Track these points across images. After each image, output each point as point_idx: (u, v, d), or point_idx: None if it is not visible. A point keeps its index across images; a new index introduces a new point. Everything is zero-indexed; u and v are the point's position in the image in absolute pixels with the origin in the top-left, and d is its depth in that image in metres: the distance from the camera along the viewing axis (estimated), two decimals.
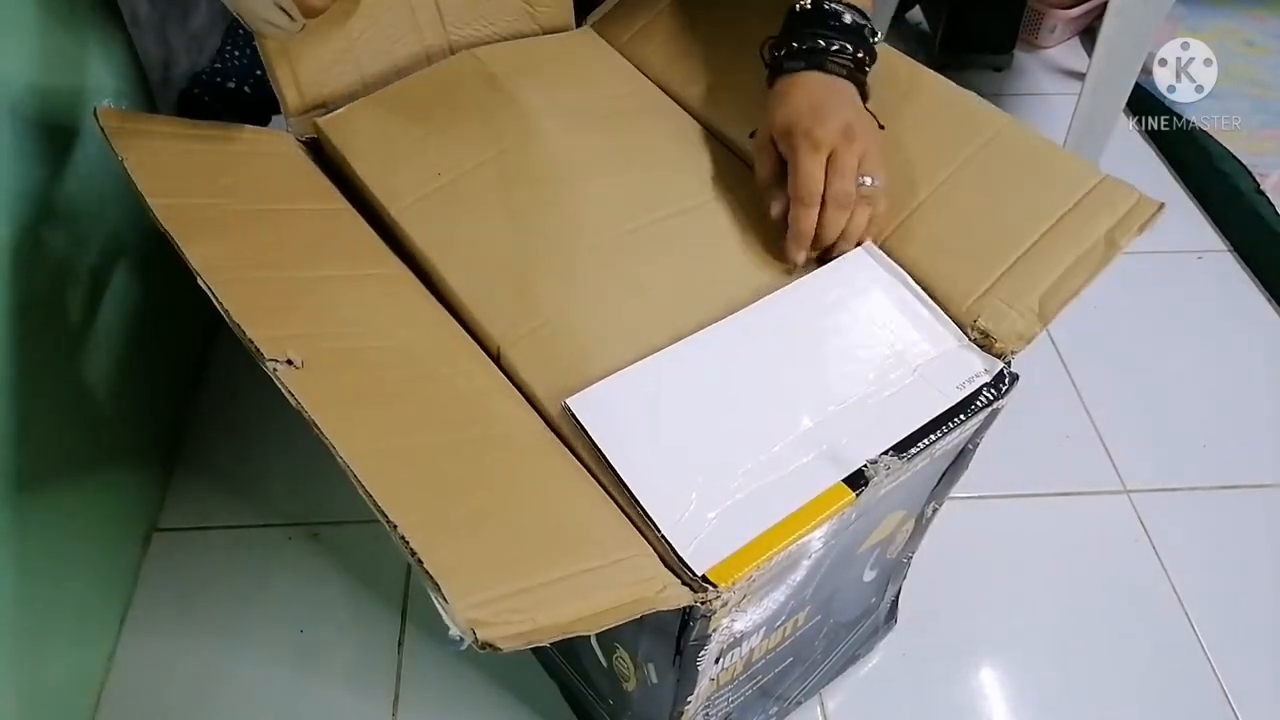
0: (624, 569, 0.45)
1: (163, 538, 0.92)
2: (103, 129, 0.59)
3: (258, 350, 0.47)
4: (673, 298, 0.58)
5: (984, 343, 0.57)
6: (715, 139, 0.70)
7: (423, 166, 0.65)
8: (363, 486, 0.42)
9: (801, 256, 0.59)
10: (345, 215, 0.63)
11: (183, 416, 1.02)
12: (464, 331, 0.58)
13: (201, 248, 0.53)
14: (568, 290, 0.58)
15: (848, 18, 0.62)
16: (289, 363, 0.48)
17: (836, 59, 0.61)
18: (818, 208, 0.58)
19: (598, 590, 0.43)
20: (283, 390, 0.46)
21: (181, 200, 0.57)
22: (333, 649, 0.85)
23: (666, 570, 0.46)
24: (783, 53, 0.62)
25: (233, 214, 0.58)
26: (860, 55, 0.62)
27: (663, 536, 0.47)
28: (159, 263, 0.94)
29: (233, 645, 0.85)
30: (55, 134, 0.73)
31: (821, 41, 0.61)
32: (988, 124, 0.65)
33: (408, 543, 0.40)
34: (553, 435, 0.52)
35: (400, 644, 0.86)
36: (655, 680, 0.58)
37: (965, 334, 0.57)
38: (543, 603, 0.41)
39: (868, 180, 0.58)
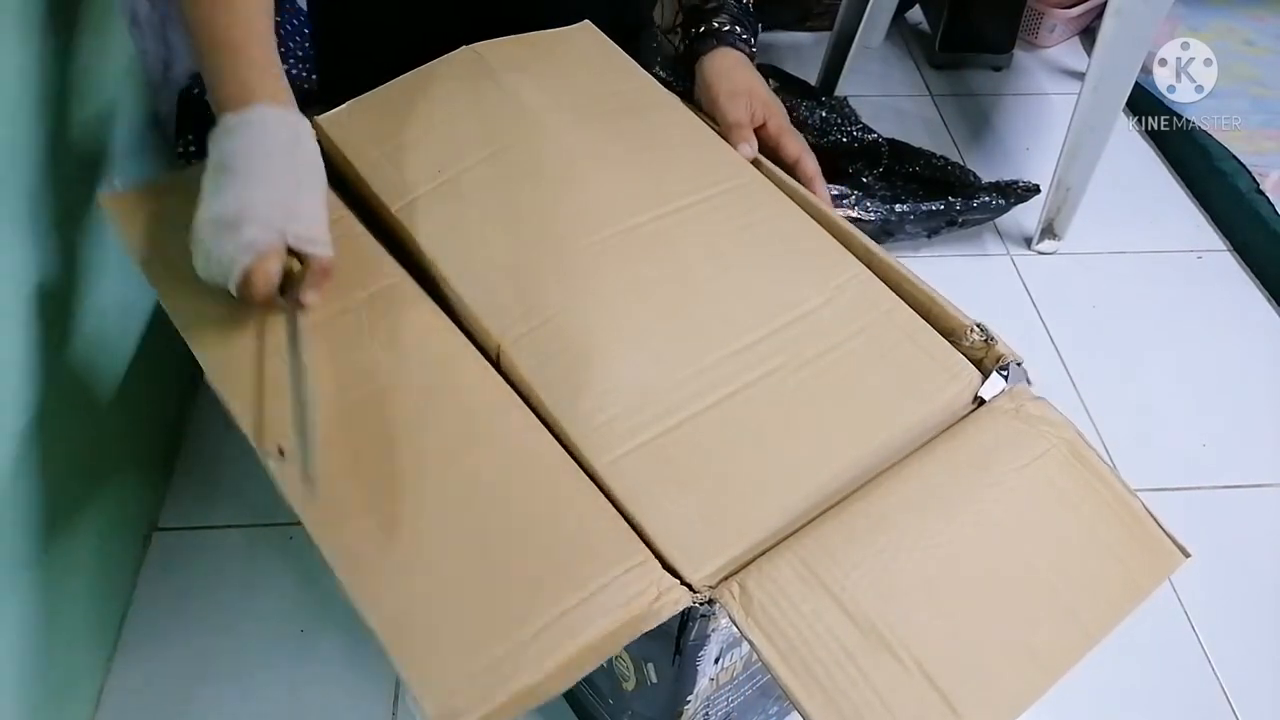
0: (613, 591, 0.45)
1: (163, 537, 0.92)
2: (111, 217, 0.61)
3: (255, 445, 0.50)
4: (673, 296, 0.58)
5: (982, 348, 0.57)
6: (717, 135, 0.70)
7: (423, 164, 0.65)
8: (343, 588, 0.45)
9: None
10: (346, 223, 0.63)
11: (183, 416, 1.02)
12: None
13: (214, 353, 0.55)
14: (568, 289, 0.58)
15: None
16: (280, 452, 0.50)
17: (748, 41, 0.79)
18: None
19: (587, 626, 0.44)
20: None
21: (194, 303, 0.57)
22: (333, 649, 0.85)
23: (665, 573, 0.46)
24: (711, 27, 0.77)
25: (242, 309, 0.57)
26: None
27: (657, 550, 0.47)
28: None
29: (233, 645, 0.85)
30: (55, 135, 0.73)
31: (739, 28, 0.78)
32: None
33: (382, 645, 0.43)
34: (553, 440, 0.52)
35: None
36: (655, 680, 0.57)
37: (964, 336, 0.58)
38: (524, 663, 0.43)
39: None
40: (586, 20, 0.78)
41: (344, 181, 0.66)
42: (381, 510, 0.48)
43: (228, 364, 0.54)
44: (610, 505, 0.49)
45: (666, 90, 0.73)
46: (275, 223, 0.53)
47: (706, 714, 0.64)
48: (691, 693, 0.57)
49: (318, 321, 0.56)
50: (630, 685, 0.62)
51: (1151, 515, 0.52)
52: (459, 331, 0.57)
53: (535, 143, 0.66)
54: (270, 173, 0.54)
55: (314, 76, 1.07)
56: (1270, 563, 0.96)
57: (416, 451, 0.51)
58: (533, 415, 0.53)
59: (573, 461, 0.51)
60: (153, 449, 0.95)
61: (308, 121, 0.58)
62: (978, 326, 0.57)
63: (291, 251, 0.54)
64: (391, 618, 0.44)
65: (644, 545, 0.47)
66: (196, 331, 0.55)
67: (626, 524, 0.48)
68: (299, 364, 0.53)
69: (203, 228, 0.54)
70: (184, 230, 0.55)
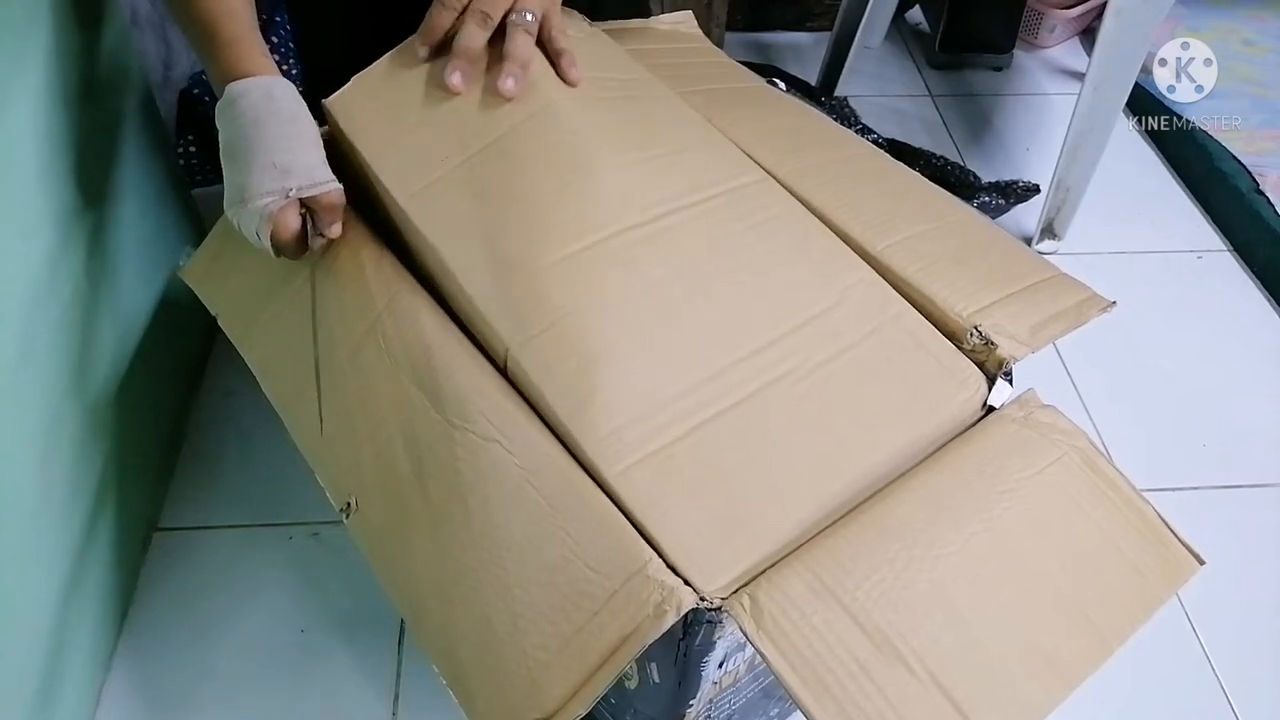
0: (620, 601, 0.45)
1: (163, 538, 0.92)
2: (195, 289, 0.72)
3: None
4: (680, 297, 0.57)
5: (983, 351, 0.57)
6: (719, 133, 0.69)
7: (431, 151, 0.63)
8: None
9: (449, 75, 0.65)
10: (347, 229, 0.64)
11: (183, 416, 1.02)
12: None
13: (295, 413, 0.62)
14: (573, 290, 0.57)
15: None
16: (349, 506, 0.56)
17: None
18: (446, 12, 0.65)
19: (596, 644, 0.45)
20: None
21: (277, 362, 0.65)
22: (333, 649, 0.85)
23: (670, 574, 0.46)
24: None
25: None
26: None
27: (669, 562, 0.47)
28: (159, 262, 0.94)
29: (233, 645, 0.85)
30: (54, 136, 0.73)
31: None
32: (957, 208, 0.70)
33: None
34: (563, 451, 0.52)
35: (400, 644, 0.86)
36: (658, 679, 0.57)
37: (964, 339, 0.57)
38: (548, 688, 0.46)
39: (527, 15, 0.65)
40: (574, 11, 0.76)
41: (346, 164, 0.65)
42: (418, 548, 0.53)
43: (308, 423, 0.61)
44: (622, 517, 0.48)
45: (663, 86, 0.72)
46: (274, 187, 0.59)
47: (709, 715, 0.64)
48: (695, 695, 0.57)
49: (342, 358, 0.61)
50: (633, 684, 0.62)
51: (1165, 522, 0.52)
52: (466, 340, 0.57)
53: (540, 131, 0.64)
54: (256, 144, 0.59)
55: (295, 72, 1.05)
56: (1270, 563, 0.96)
57: (439, 477, 0.53)
58: (543, 425, 0.53)
59: (583, 472, 0.50)
60: (153, 449, 0.95)
61: (279, 76, 0.62)
62: (976, 329, 0.57)
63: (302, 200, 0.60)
64: (446, 659, 0.50)
65: (650, 548, 0.47)
66: (279, 392, 0.64)
67: (636, 533, 0.48)
68: (316, 322, 0.62)
69: (228, 212, 0.61)
70: (253, 274, 0.66)
